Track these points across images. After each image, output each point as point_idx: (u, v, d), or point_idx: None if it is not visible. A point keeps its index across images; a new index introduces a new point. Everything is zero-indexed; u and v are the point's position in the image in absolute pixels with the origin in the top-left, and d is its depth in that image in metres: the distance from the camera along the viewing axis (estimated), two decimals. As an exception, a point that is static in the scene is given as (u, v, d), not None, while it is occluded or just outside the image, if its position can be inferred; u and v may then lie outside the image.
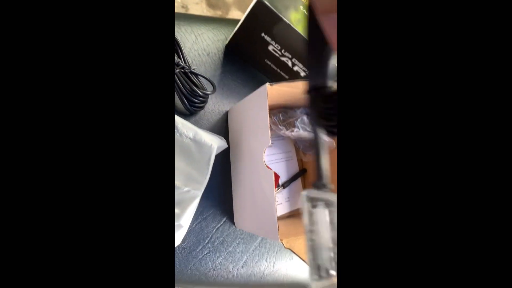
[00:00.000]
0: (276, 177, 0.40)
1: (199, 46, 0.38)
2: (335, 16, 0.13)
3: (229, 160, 0.37)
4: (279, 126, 0.37)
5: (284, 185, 0.39)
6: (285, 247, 0.25)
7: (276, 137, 0.41)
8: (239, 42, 0.38)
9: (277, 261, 0.39)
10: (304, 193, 0.17)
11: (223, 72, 0.39)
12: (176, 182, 0.26)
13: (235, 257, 0.36)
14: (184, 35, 0.37)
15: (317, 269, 0.16)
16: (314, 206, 0.17)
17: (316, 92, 0.17)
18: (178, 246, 0.32)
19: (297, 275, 0.40)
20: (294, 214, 0.40)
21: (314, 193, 0.17)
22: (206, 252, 0.34)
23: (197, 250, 0.34)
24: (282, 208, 0.39)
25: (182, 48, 0.34)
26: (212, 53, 0.39)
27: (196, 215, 0.34)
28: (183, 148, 0.27)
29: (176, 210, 0.26)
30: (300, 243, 0.26)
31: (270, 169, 0.27)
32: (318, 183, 0.17)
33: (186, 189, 0.26)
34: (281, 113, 0.38)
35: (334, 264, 0.16)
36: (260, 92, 0.29)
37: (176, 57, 0.33)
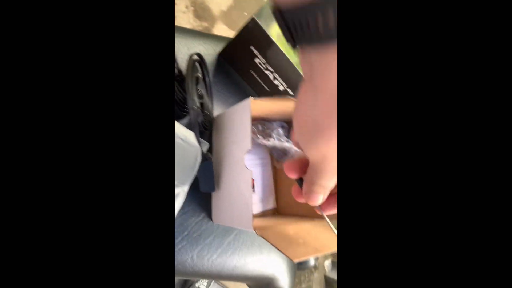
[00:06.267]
0: (252, 181, 0.45)
1: (192, 58, 0.43)
2: None
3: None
4: (258, 135, 0.42)
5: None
6: (257, 234, 0.29)
7: (254, 145, 0.46)
8: (231, 51, 0.44)
9: (248, 255, 0.43)
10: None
11: (213, 82, 0.44)
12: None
13: (210, 249, 0.39)
14: (178, 47, 0.42)
15: None
16: None
17: None
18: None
19: (266, 269, 0.44)
20: (266, 214, 0.45)
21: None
22: (184, 243, 0.37)
23: (177, 241, 0.37)
24: (255, 208, 0.44)
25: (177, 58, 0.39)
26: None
27: (178, 209, 0.37)
28: (175, 148, 0.31)
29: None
30: (271, 232, 0.31)
31: (248, 169, 0.32)
32: None
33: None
34: (260, 124, 0.44)
35: None
36: (244, 104, 0.34)
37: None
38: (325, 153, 0.18)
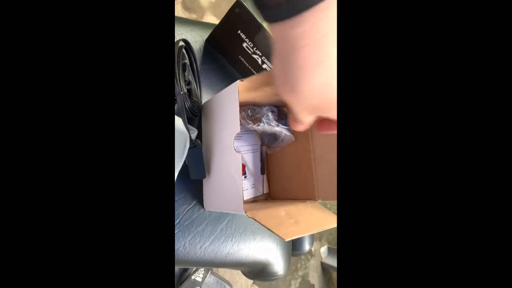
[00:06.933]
0: (242, 166, 0.44)
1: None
2: None
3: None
4: (247, 121, 0.42)
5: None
6: (248, 216, 0.29)
7: (244, 130, 0.45)
8: (218, 37, 0.43)
9: (241, 242, 0.43)
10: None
11: (201, 70, 0.43)
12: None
13: (203, 237, 0.39)
14: (164, 33, 0.41)
15: None
16: None
17: None
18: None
19: (259, 255, 0.44)
20: (258, 199, 0.45)
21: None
22: (176, 232, 0.37)
23: (168, 229, 0.37)
24: (247, 194, 0.44)
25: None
26: (189, 51, 0.43)
27: (168, 197, 0.37)
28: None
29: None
30: (261, 214, 0.31)
31: (238, 152, 0.32)
32: None
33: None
34: (249, 109, 0.43)
35: None
36: (232, 87, 0.34)
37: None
38: (291, 102, 0.22)
